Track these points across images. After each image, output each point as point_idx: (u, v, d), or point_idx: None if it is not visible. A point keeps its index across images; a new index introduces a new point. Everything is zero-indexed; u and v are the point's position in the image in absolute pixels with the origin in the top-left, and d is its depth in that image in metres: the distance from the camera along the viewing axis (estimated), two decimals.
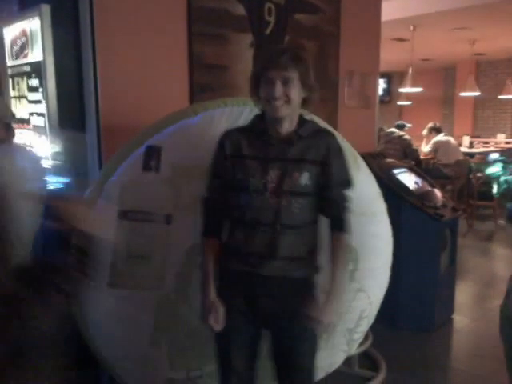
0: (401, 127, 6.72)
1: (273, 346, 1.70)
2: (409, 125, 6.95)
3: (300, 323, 1.62)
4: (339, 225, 1.68)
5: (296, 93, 1.56)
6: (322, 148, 1.62)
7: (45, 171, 1.92)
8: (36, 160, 1.90)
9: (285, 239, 1.59)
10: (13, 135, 1.92)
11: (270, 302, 1.63)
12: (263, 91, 1.57)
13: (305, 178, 1.58)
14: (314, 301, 1.65)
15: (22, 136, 2.66)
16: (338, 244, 1.68)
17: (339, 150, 1.66)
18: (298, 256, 1.63)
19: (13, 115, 1.97)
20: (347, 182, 1.68)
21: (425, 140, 7.52)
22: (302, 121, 1.65)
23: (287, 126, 1.61)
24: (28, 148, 2.05)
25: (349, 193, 1.68)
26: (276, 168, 1.58)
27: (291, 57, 1.55)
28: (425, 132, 7.42)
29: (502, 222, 6.87)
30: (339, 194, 1.66)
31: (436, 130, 7.24)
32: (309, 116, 1.71)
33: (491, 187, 6.81)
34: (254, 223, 1.59)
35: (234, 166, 1.62)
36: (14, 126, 2.67)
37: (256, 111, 1.73)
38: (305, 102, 1.63)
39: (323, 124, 1.81)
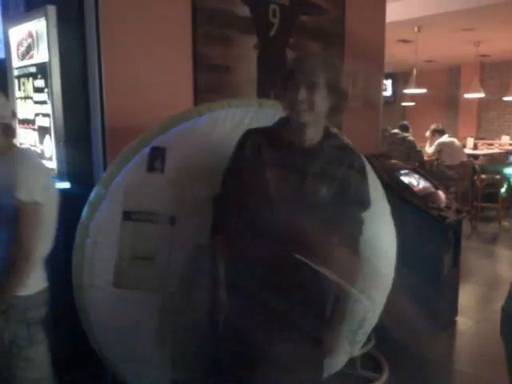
0: (405, 128, 6.72)
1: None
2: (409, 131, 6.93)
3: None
4: (351, 247, 1.60)
5: (321, 99, 1.50)
6: (344, 165, 1.57)
7: (48, 179, 1.86)
8: (38, 168, 1.84)
9: (299, 253, 1.50)
10: (13, 137, 1.88)
11: (274, 313, 1.54)
12: (288, 95, 1.53)
13: (322, 194, 1.53)
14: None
15: (26, 137, 2.67)
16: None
17: (362, 170, 1.62)
18: (310, 271, 1.54)
19: (14, 114, 1.91)
20: (365, 203, 1.63)
21: (428, 142, 7.52)
22: (327, 134, 1.60)
23: (311, 136, 1.55)
24: (30, 155, 2.00)
25: (363, 214, 1.62)
26: (294, 179, 1.53)
27: (319, 62, 1.52)
28: (428, 134, 7.42)
29: (506, 223, 6.84)
30: (354, 216, 1.61)
31: (439, 132, 7.24)
32: (333, 129, 1.65)
33: (501, 187, 6.77)
34: (267, 235, 1.53)
35: (253, 172, 1.57)
36: (19, 126, 2.70)
37: (259, 116, 1.70)
38: (332, 110, 1.57)
39: (348, 141, 1.75)
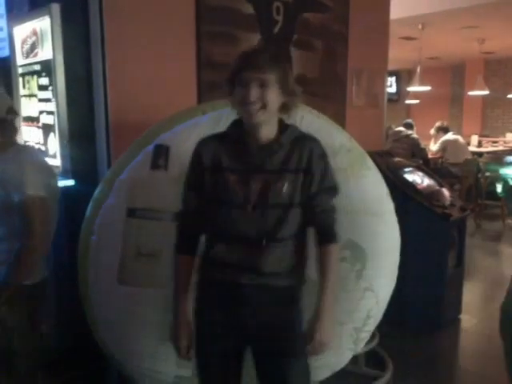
0: (409, 126, 6.71)
1: (257, 364, 1.58)
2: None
3: (286, 337, 1.53)
4: (328, 236, 1.56)
5: (274, 97, 1.43)
6: (304, 155, 1.50)
7: (50, 175, 1.90)
8: (40, 165, 1.88)
9: (270, 254, 1.49)
10: (12, 134, 1.90)
11: (252, 312, 1.52)
12: (237, 94, 1.44)
13: (288, 189, 1.48)
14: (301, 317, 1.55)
15: (31, 134, 2.68)
16: (328, 257, 1.54)
17: (322, 156, 1.54)
18: (284, 270, 1.53)
19: (12, 111, 1.90)
20: (333, 189, 1.57)
21: (433, 139, 7.50)
22: (283, 127, 1.53)
23: (266, 133, 1.49)
24: (33, 152, 2.01)
25: (335, 201, 1.57)
26: (257, 180, 1.47)
27: (269, 58, 1.44)
28: (432, 131, 7.40)
29: (510, 221, 6.83)
30: (325, 203, 1.55)
31: (443, 130, 7.22)
32: (287, 120, 1.57)
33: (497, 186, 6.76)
34: (237, 238, 1.49)
35: (213, 179, 1.51)
36: (23, 124, 2.71)
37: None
38: (284, 107, 1.50)
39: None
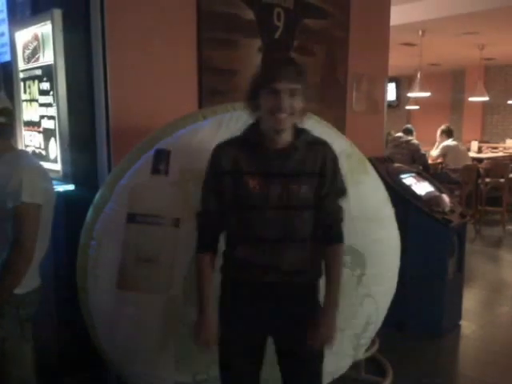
0: (408, 132, 6.70)
1: (278, 353, 1.69)
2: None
3: (303, 328, 1.61)
4: (335, 236, 1.66)
5: (300, 105, 1.54)
6: (318, 160, 1.60)
7: (46, 181, 1.87)
8: (36, 170, 1.85)
9: (290, 253, 1.58)
10: (8, 137, 1.88)
11: (277, 308, 1.61)
12: (267, 102, 1.52)
13: (304, 191, 1.57)
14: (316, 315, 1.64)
15: (32, 139, 2.69)
16: (334, 256, 1.66)
17: (334, 159, 1.64)
18: (303, 269, 1.62)
19: (10, 113, 1.87)
20: (342, 192, 1.66)
21: (438, 142, 7.45)
22: (297, 131, 1.62)
23: (284, 138, 1.58)
24: (29, 157, 2.01)
25: (343, 203, 1.66)
26: (276, 183, 1.56)
27: (296, 68, 1.54)
28: (438, 134, 7.36)
29: (510, 227, 6.83)
30: (334, 205, 1.64)
31: (447, 133, 7.17)
32: (301, 125, 1.66)
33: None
34: (259, 239, 1.58)
35: (233, 183, 1.58)
36: (24, 128, 2.72)
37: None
38: (301, 113, 1.59)
39: (317, 132, 1.76)
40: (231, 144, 1.63)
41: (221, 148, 1.63)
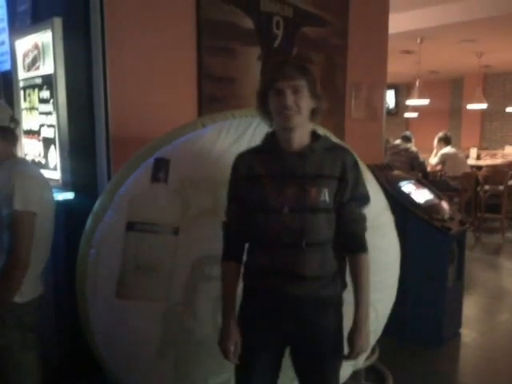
0: (407, 139, 6.71)
1: (297, 364, 1.67)
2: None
3: (326, 342, 1.61)
4: (358, 245, 1.62)
5: (306, 102, 1.54)
6: (338, 163, 1.58)
7: (43, 189, 1.87)
8: (33, 178, 1.85)
9: (310, 258, 1.55)
10: (14, 143, 1.91)
11: (296, 322, 1.59)
12: (273, 103, 1.54)
13: (323, 194, 1.54)
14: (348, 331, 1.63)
15: (31, 147, 2.69)
16: (361, 267, 1.61)
17: (355, 165, 1.62)
18: (325, 275, 1.59)
19: (15, 120, 1.90)
20: (364, 198, 1.64)
21: (435, 150, 7.46)
22: (315, 136, 1.63)
23: (299, 139, 1.58)
24: (27, 165, 2.01)
25: (366, 210, 1.64)
26: (292, 185, 1.54)
27: (297, 66, 1.54)
28: (436, 142, 7.37)
29: (509, 234, 6.82)
30: (356, 212, 1.61)
31: (445, 140, 7.18)
32: (322, 131, 1.67)
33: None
34: (275, 243, 1.56)
35: (249, 187, 1.60)
36: (24, 137, 2.72)
37: (264, 126, 1.72)
38: (313, 113, 1.60)
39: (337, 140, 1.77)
40: (248, 152, 1.67)
41: (240, 156, 1.67)
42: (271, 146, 1.62)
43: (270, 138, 1.64)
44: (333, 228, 1.59)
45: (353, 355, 1.62)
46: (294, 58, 1.64)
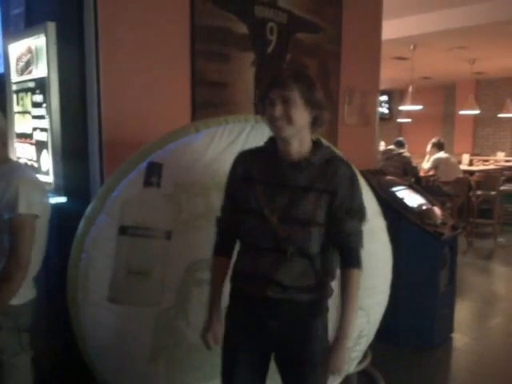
0: (400, 144, 6.75)
1: (281, 369, 1.65)
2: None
3: (310, 345, 1.59)
4: (351, 260, 1.58)
5: (298, 112, 1.49)
6: (333, 177, 1.54)
7: (42, 193, 1.89)
8: (34, 183, 1.87)
9: (293, 268, 1.54)
10: (6, 146, 1.92)
11: (279, 325, 1.58)
12: (266, 113, 1.53)
13: (312, 207, 1.52)
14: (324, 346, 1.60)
15: (24, 151, 2.68)
16: (349, 282, 1.56)
17: (351, 179, 1.57)
18: (308, 285, 1.56)
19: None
20: (359, 214, 1.58)
21: (427, 155, 7.51)
22: (316, 146, 1.59)
23: (297, 149, 1.55)
24: (26, 169, 2.02)
25: (361, 226, 1.59)
26: (284, 194, 1.53)
27: (290, 75, 1.51)
28: (429, 147, 7.42)
29: (501, 239, 6.86)
30: (352, 228, 1.56)
31: (437, 146, 7.23)
32: (325, 142, 1.64)
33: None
34: (261, 248, 1.56)
35: (243, 189, 1.60)
36: (17, 140, 2.71)
37: (257, 132, 1.73)
38: (314, 122, 1.56)
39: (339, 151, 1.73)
40: (249, 153, 1.67)
41: (240, 155, 1.68)
42: (271, 152, 1.61)
43: (272, 143, 1.62)
44: (322, 241, 1.56)
45: (325, 374, 1.60)
46: (290, 66, 1.59)
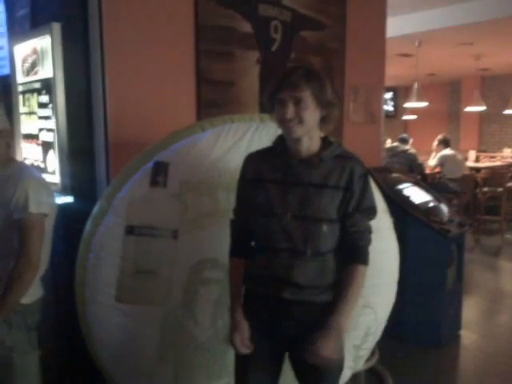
0: (404, 141, 6.72)
1: (296, 368, 1.65)
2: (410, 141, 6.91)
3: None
4: (358, 256, 1.57)
5: (310, 112, 1.49)
6: (345, 173, 1.54)
7: (49, 193, 1.90)
8: (41, 183, 1.88)
9: (309, 267, 1.53)
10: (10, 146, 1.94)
11: (293, 326, 1.57)
12: (276, 113, 1.52)
13: (326, 204, 1.52)
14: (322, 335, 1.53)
15: (30, 151, 2.69)
16: (354, 276, 1.54)
17: (363, 176, 1.57)
18: (323, 284, 1.56)
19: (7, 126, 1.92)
20: (371, 211, 1.59)
21: (434, 152, 7.47)
22: (325, 143, 1.59)
23: (307, 147, 1.55)
24: (33, 169, 2.04)
25: (372, 222, 1.60)
26: (296, 192, 1.53)
27: (302, 75, 1.48)
28: (435, 144, 7.38)
29: (508, 236, 6.83)
30: (361, 224, 1.57)
31: (444, 143, 7.19)
32: (333, 139, 1.63)
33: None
34: (276, 248, 1.54)
35: (254, 190, 1.59)
36: (23, 141, 2.72)
37: (262, 131, 1.72)
38: (323, 120, 1.56)
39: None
40: (258, 153, 1.66)
41: (249, 156, 1.67)
42: (280, 151, 1.60)
43: (281, 142, 1.61)
44: (336, 238, 1.56)
45: (308, 358, 1.51)
46: (301, 65, 1.56)
